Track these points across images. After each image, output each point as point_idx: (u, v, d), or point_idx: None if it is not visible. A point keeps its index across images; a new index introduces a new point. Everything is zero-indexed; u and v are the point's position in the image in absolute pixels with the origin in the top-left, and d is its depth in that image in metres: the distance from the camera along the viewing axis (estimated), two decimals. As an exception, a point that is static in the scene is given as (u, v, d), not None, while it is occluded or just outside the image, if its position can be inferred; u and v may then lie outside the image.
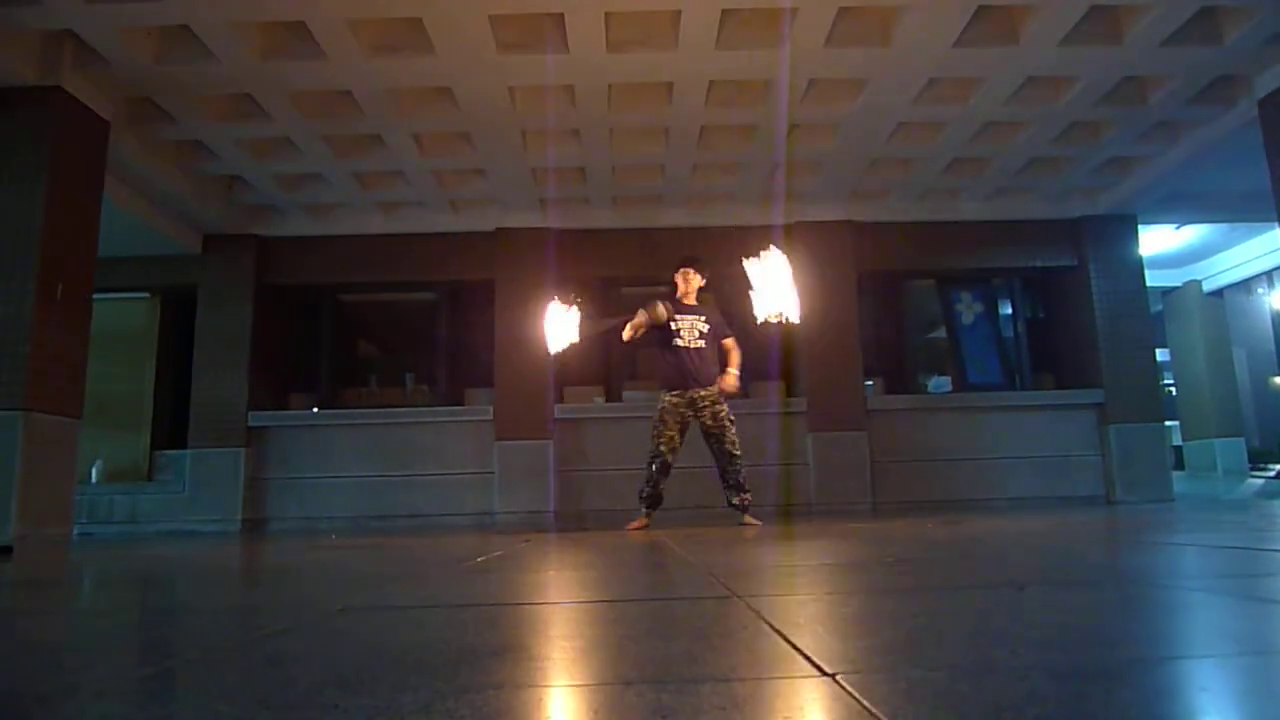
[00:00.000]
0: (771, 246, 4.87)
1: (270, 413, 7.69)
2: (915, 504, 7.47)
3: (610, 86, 5.69)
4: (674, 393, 5.32)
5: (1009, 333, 8.52)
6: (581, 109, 5.90)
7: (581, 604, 2.10)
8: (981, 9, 4.88)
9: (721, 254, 7.66)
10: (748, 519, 5.26)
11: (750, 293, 4.85)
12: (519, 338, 7.64)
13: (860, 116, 6.14)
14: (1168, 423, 8.14)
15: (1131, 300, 7.90)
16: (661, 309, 5.33)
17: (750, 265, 4.85)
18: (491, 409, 7.62)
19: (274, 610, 2.18)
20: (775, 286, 4.76)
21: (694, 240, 7.87)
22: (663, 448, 5.28)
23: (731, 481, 5.30)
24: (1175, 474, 8.31)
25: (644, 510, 5.38)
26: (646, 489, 5.36)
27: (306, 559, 3.91)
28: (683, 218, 7.89)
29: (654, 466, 5.31)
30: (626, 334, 5.35)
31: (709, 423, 5.28)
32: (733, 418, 5.33)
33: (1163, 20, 4.96)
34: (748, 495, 5.33)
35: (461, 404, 8.00)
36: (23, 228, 4.92)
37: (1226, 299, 10.76)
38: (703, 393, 5.29)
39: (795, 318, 4.81)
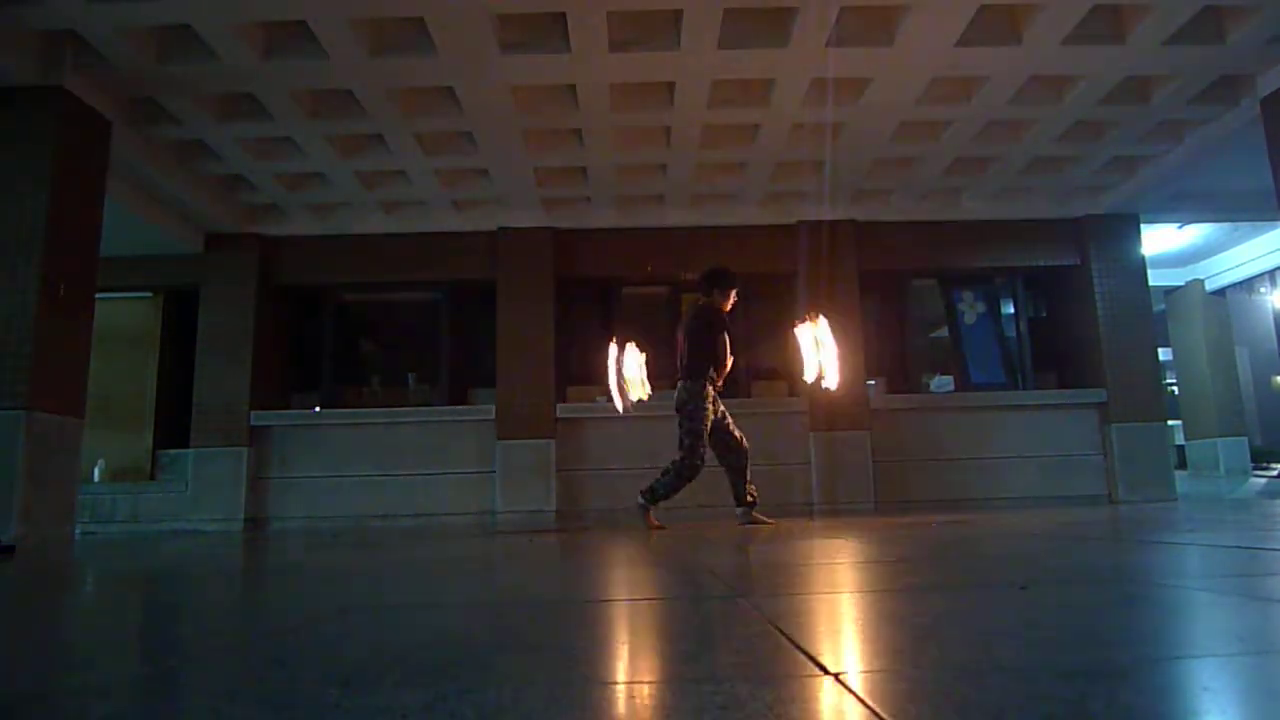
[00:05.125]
0: (819, 316, 5.49)
1: (273, 412, 7.70)
2: (917, 503, 7.47)
3: (612, 86, 5.68)
4: (715, 386, 5.28)
5: (1011, 332, 8.52)
6: (583, 109, 5.90)
7: (583, 603, 2.10)
8: (984, 8, 4.88)
9: (723, 254, 7.69)
10: (757, 517, 5.24)
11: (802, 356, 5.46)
12: (521, 337, 7.66)
13: (862, 116, 6.13)
14: (1170, 422, 8.13)
15: (1134, 299, 7.89)
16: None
17: (800, 331, 5.49)
18: (493, 408, 7.63)
19: (276, 609, 2.19)
20: (822, 354, 5.39)
21: (695, 240, 7.90)
22: (700, 463, 5.20)
23: (742, 480, 5.28)
24: (1178, 473, 8.30)
25: (647, 504, 5.31)
26: (663, 491, 5.25)
27: (309, 558, 3.92)
28: (685, 218, 7.89)
29: (684, 476, 5.21)
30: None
31: (719, 419, 5.28)
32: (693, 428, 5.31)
33: (1165, 19, 4.95)
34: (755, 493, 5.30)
35: (463, 403, 8.01)
36: (25, 227, 4.93)
37: (1229, 298, 10.75)
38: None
39: (833, 385, 5.41)
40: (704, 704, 0.98)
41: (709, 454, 5.30)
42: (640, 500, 5.24)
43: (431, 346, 8.40)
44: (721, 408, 5.35)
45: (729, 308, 5.46)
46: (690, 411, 5.22)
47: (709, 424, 5.24)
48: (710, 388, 5.26)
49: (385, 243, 7.97)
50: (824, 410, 7.59)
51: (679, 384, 5.32)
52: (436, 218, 7.88)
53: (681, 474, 5.20)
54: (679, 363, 5.40)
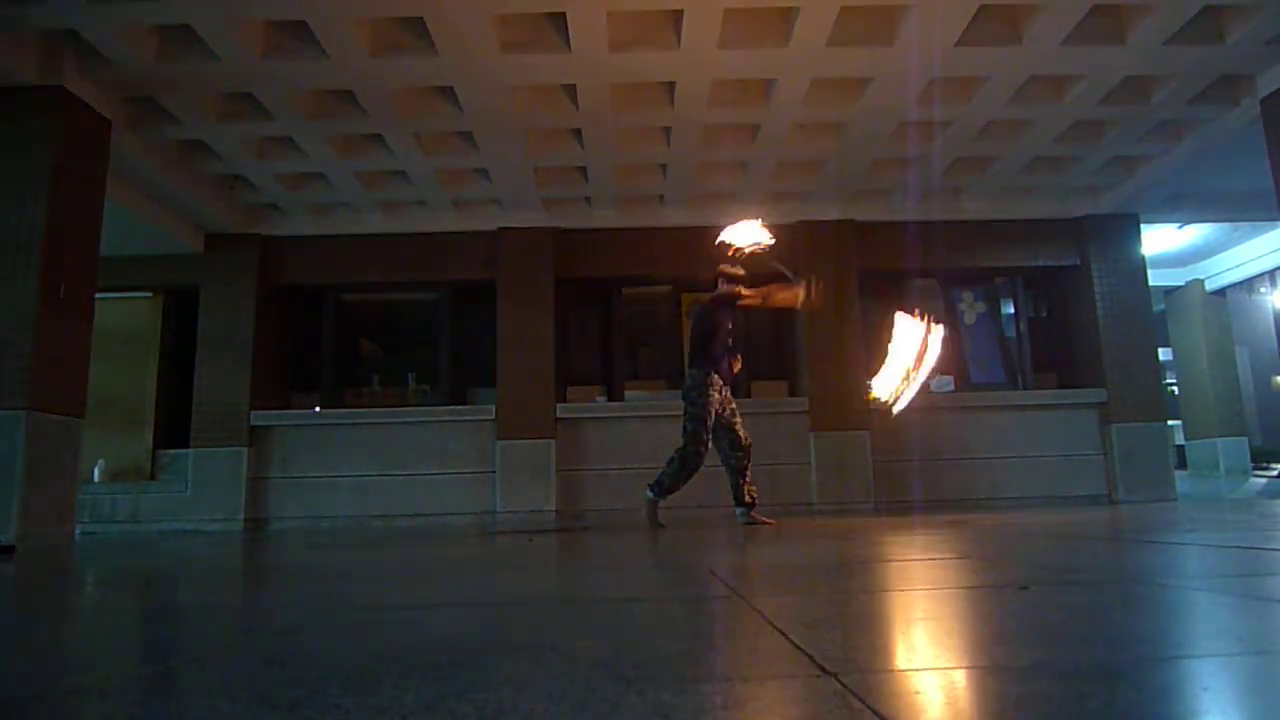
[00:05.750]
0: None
1: (272, 412, 7.70)
2: (918, 503, 7.47)
3: (612, 86, 5.68)
4: (719, 382, 5.32)
5: (1011, 332, 8.52)
6: (583, 108, 5.90)
7: (583, 603, 2.10)
8: (984, 8, 4.87)
9: (722, 254, 7.65)
10: (757, 517, 5.25)
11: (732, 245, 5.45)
12: (521, 337, 7.66)
13: (862, 116, 6.13)
14: (1170, 422, 8.13)
15: (1134, 299, 7.89)
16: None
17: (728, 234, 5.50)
18: (493, 408, 7.63)
19: (276, 609, 2.19)
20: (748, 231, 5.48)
21: (696, 240, 7.89)
22: (703, 450, 5.25)
23: (741, 479, 5.28)
24: (1178, 473, 8.29)
25: (656, 497, 5.30)
26: (668, 481, 5.27)
27: (308, 558, 3.92)
28: (685, 217, 7.89)
29: (688, 465, 5.23)
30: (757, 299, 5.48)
31: (726, 414, 5.28)
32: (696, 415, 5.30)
33: (1165, 20, 4.95)
34: (755, 491, 5.30)
35: (463, 403, 8.01)
36: (25, 227, 4.93)
37: (1229, 298, 10.75)
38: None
39: (769, 240, 5.46)
40: (704, 704, 0.98)
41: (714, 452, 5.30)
42: (648, 494, 5.26)
43: (431, 346, 8.39)
44: (732, 405, 5.36)
45: (740, 290, 5.44)
46: (693, 398, 5.24)
47: (712, 413, 5.23)
48: (715, 377, 5.26)
49: (385, 243, 7.97)
50: (824, 410, 7.59)
51: (687, 372, 5.38)
52: (436, 218, 7.88)
53: (686, 461, 5.20)
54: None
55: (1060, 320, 8.50)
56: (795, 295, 5.34)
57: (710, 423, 5.22)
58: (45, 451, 4.90)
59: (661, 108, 5.94)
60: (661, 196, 7.66)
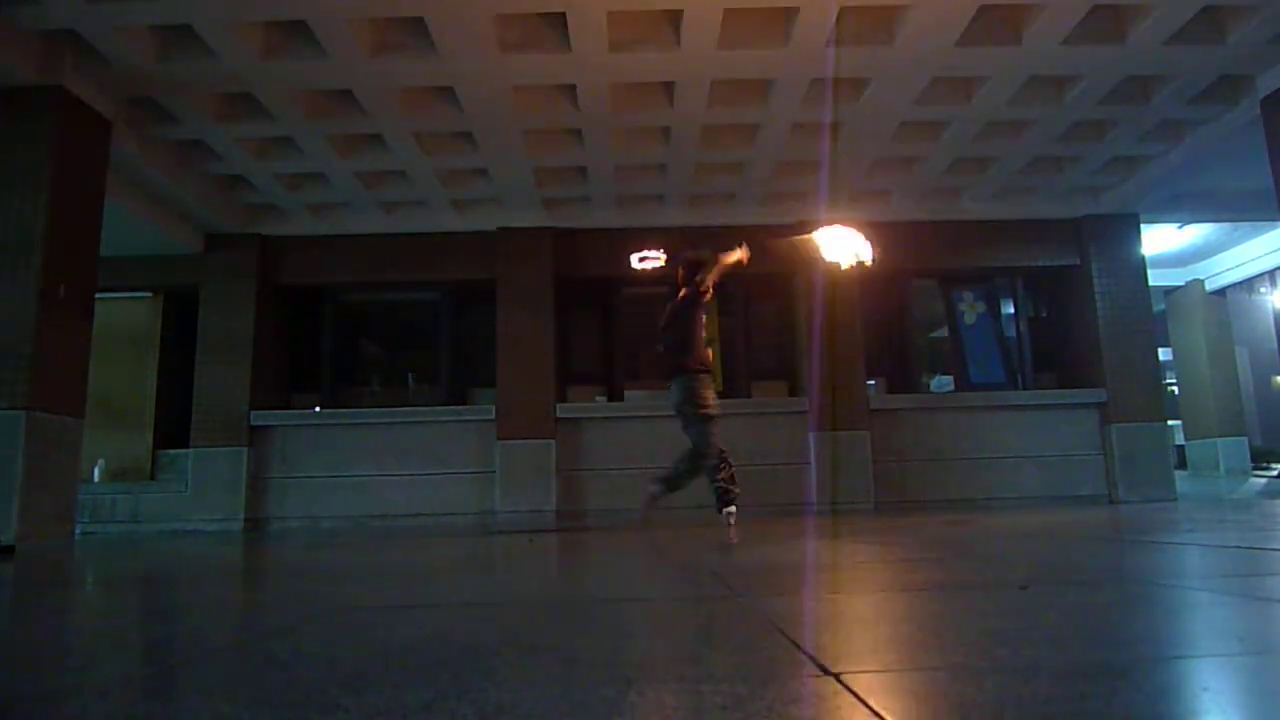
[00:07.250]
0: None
1: (272, 412, 7.69)
2: (918, 503, 7.47)
3: (612, 86, 5.68)
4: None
5: (1011, 332, 8.52)
6: (583, 109, 5.90)
7: (583, 603, 2.10)
8: (984, 8, 4.88)
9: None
10: (727, 519, 4.89)
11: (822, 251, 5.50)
12: (521, 337, 7.65)
13: (862, 116, 6.13)
14: (1170, 422, 8.13)
15: (1134, 299, 7.89)
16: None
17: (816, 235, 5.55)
18: (493, 408, 7.63)
19: (276, 609, 2.19)
20: (842, 238, 5.48)
21: (696, 240, 7.89)
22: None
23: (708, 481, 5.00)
24: (1177, 473, 8.29)
25: (731, 508, 4.92)
26: (722, 483, 4.92)
27: (308, 558, 3.92)
28: (684, 217, 7.89)
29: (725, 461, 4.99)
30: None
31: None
32: (704, 415, 4.97)
33: (1165, 20, 4.95)
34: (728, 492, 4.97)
35: (463, 403, 8.01)
36: (25, 228, 4.93)
37: (1229, 298, 10.75)
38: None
39: (869, 258, 5.49)
40: (704, 704, 0.98)
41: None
42: (724, 515, 4.93)
43: (431, 346, 8.39)
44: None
45: (707, 281, 5.29)
46: (691, 408, 5.12)
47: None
48: (705, 376, 5.17)
49: (385, 243, 7.96)
50: (824, 409, 7.59)
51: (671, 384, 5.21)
52: (436, 218, 7.88)
53: (700, 462, 5.01)
54: (668, 357, 5.28)
55: (1060, 320, 8.50)
56: (738, 257, 5.26)
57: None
58: (45, 451, 4.90)
59: (661, 108, 5.94)
60: (661, 196, 7.66)
